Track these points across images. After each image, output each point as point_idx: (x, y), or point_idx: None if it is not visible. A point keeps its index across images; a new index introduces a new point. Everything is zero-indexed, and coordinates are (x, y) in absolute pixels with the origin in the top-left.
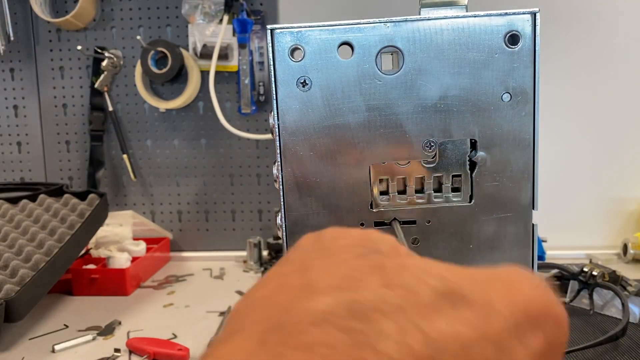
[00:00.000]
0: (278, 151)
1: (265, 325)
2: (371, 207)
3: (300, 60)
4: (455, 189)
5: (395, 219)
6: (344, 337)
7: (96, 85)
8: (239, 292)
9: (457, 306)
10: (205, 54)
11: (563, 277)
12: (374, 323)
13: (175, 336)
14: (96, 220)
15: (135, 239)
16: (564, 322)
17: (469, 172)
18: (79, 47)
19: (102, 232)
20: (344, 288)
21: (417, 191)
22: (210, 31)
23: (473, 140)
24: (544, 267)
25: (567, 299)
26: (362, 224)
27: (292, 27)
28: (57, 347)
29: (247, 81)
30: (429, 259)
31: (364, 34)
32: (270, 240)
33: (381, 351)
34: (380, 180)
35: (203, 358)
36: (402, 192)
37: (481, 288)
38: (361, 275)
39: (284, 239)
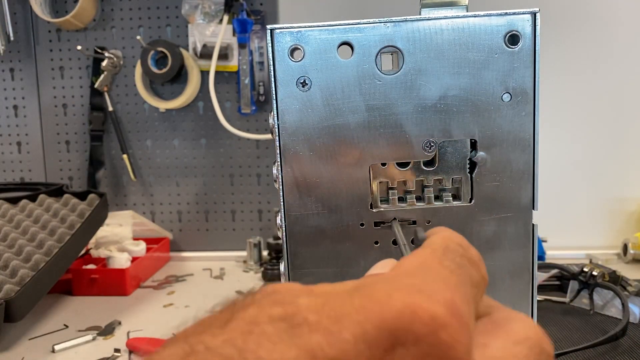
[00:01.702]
0: (278, 151)
1: None
2: (371, 207)
3: (300, 60)
4: (455, 195)
5: (395, 218)
6: None
7: (96, 85)
8: (239, 292)
9: (295, 332)
10: (205, 54)
11: (563, 277)
12: None
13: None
14: (96, 220)
15: (135, 239)
16: (443, 330)
17: (469, 172)
18: (79, 47)
19: (102, 232)
20: (189, 335)
21: (417, 197)
22: (210, 31)
23: (473, 140)
24: (544, 267)
25: (567, 299)
26: (362, 224)
27: (292, 27)
28: (57, 347)
29: (247, 81)
30: (302, 285)
31: (364, 34)
32: (270, 240)
33: None
34: (380, 182)
35: None
36: (402, 198)
37: (334, 306)
38: (211, 320)
39: (284, 239)
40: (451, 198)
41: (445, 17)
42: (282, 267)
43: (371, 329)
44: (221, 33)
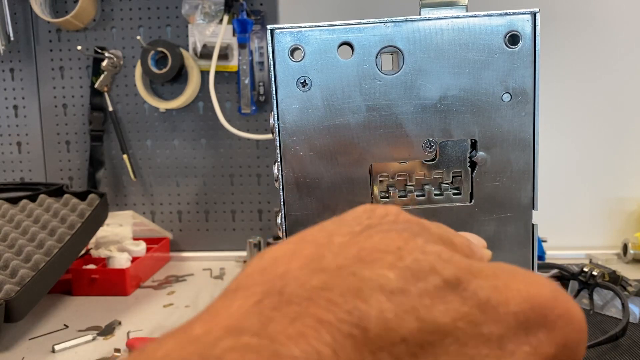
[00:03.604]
0: (278, 151)
1: (267, 287)
2: None
3: (300, 60)
4: (455, 189)
5: None
6: (335, 311)
7: (96, 85)
8: None
9: (465, 298)
10: (205, 54)
11: (563, 277)
12: (371, 302)
13: None
14: (96, 220)
15: (135, 239)
16: (581, 326)
17: (469, 172)
18: (79, 47)
19: (102, 232)
20: (349, 266)
21: (418, 195)
22: (210, 31)
23: (473, 141)
24: (544, 267)
25: None
26: None
27: (292, 27)
28: (57, 347)
29: (247, 81)
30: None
31: (364, 34)
32: (270, 240)
33: (372, 330)
34: (381, 181)
35: (206, 309)
36: (403, 195)
37: (498, 281)
38: (373, 254)
39: (284, 239)
40: (451, 195)
41: (445, 17)
42: None
43: (532, 315)
44: (221, 33)
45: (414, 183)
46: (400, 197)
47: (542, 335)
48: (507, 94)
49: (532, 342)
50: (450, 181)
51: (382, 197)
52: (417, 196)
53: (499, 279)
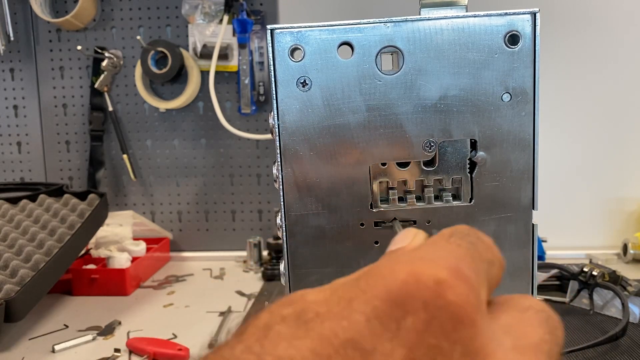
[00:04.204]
0: (278, 151)
1: None
2: (371, 207)
3: (300, 60)
4: (455, 195)
5: (395, 218)
6: None
7: (96, 85)
8: (239, 292)
9: (308, 326)
10: (205, 54)
11: (563, 277)
12: None
13: (175, 336)
14: (96, 220)
15: (135, 239)
16: (449, 291)
17: (469, 172)
18: (79, 47)
19: (102, 232)
20: (207, 356)
21: (417, 197)
22: (210, 31)
23: (473, 140)
24: (544, 267)
25: (567, 299)
26: (362, 224)
27: (292, 27)
28: (57, 347)
29: (247, 81)
30: (316, 289)
31: (364, 34)
32: (270, 240)
33: None
34: (381, 182)
35: None
36: (402, 198)
37: (342, 294)
38: (229, 338)
39: (284, 239)
40: (451, 198)
41: (445, 17)
42: (282, 267)
43: (380, 304)
44: (221, 33)
45: (413, 188)
46: (399, 197)
47: (406, 319)
48: (507, 94)
49: (399, 328)
50: (449, 181)
51: (381, 201)
52: (417, 201)
53: (356, 284)
